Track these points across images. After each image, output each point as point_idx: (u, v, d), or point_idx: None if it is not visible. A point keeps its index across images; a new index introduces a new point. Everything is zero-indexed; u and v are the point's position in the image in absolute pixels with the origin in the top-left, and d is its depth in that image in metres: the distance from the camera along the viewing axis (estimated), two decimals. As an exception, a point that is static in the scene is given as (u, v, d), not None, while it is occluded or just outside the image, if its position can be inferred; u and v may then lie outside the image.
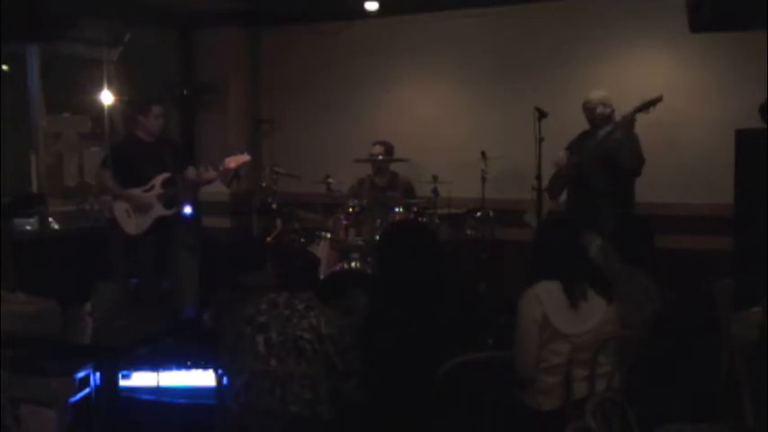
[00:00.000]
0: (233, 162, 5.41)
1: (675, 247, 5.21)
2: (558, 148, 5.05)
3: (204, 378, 3.75)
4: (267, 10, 6.86)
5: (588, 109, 4.98)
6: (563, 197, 5.15)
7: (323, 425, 2.98)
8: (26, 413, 3.59)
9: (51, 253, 5.89)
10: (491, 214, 5.71)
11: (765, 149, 3.75)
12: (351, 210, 5.42)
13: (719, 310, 3.82)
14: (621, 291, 3.28)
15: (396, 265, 3.40)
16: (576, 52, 5.91)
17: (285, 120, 7.11)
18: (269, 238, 5.94)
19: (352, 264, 5.15)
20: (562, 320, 3.05)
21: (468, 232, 5.74)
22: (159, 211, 5.24)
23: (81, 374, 3.69)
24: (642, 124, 4.73)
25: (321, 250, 5.42)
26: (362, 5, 6.27)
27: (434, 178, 5.63)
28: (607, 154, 4.76)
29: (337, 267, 5.19)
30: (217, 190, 6.10)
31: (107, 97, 6.74)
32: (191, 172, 5.38)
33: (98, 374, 3.78)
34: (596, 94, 4.97)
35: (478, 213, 5.74)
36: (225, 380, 3.16)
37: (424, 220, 5.38)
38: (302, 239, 5.70)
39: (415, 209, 5.42)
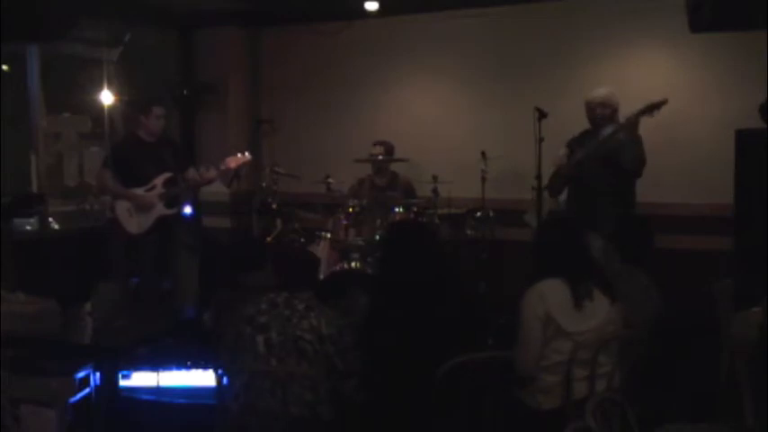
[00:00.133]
0: (234, 162, 5.42)
1: (675, 247, 5.21)
2: (557, 148, 5.05)
3: (204, 378, 3.76)
4: (267, 10, 6.86)
5: (589, 108, 4.98)
6: (563, 197, 5.14)
7: (323, 425, 2.98)
8: (26, 413, 3.59)
9: (51, 253, 5.89)
10: (491, 214, 5.71)
11: (765, 149, 3.74)
12: (351, 210, 5.42)
13: (719, 310, 3.82)
14: (621, 291, 3.28)
15: (396, 265, 3.40)
16: (576, 52, 5.91)
17: (285, 120, 7.11)
18: (269, 238, 5.93)
19: (352, 264, 5.15)
20: (565, 318, 3.05)
21: (468, 232, 5.74)
22: (161, 210, 5.26)
23: (81, 374, 3.69)
24: (642, 124, 4.72)
25: (321, 250, 5.41)
26: (362, 5, 6.27)
27: (434, 178, 5.63)
28: (609, 154, 4.75)
29: (337, 267, 5.19)
30: (217, 190, 6.10)
31: (107, 97, 6.75)
32: (191, 172, 5.39)
33: (98, 374, 3.78)
34: (597, 93, 4.94)
35: (478, 213, 5.74)
36: (224, 380, 3.16)
37: (424, 220, 5.38)
38: (302, 239, 5.70)
39: (415, 209, 5.41)
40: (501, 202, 5.79)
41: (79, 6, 4.22)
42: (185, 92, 6.96)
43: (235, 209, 6.93)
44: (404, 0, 6.36)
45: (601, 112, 4.91)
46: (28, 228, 6.18)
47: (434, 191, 5.61)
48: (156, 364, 3.83)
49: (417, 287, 3.26)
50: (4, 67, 6.56)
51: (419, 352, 3.11)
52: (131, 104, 6.43)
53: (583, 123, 5.05)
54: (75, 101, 7.03)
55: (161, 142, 5.40)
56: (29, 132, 6.22)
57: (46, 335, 4.12)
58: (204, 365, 3.77)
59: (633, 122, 4.67)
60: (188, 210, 5.55)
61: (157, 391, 3.81)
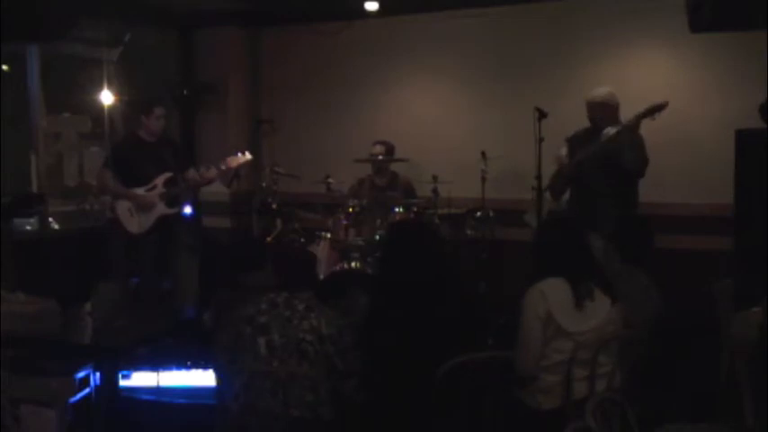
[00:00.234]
0: (234, 162, 5.42)
1: (675, 247, 5.21)
2: (558, 147, 5.05)
3: (204, 378, 3.75)
4: (267, 10, 6.86)
5: (589, 108, 4.97)
6: (565, 197, 5.14)
7: (324, 426, 2.98)
8: (26, 413, 3.58)
9: (51, 253, 5.89)
10: (491, 214, 5.72)
11: (765, 149, 3.74)
12: (351, 210, 5.42)
13: (719, 310, 3.81)
14: (622, 291, 3.27)
15: (396, 265, 3.40)
16: (576, 52, 5.91)
17: (285, 120, 7.11)
18: (269, 238, 5.94)
19: (352, 264, 5.15)
20: (566, 318, 3.05)
21: (468, 232, 5.74)
22: (162, 210, 5.27)
23: (81, 374, 3.68)
24: (642, 125, 4.72)
25: (321, 250, 5.42)
26: (362, 5, 6.27)
27: (434, 178, 5.63)
28: (610, 155, 4.74)
29: (337, 267, 5.19)
30: (217, 190, 6.10)
31: (107, 97, 6.75)
32: (191, 172, 5.39)
33: (98, 374, 3.77)
34: (597, 93, 4.93)
35: (478, 213, 5.74)
36: (224, 380, 3.16)
37: (424, 220, 5.38)
38: (302, 239, 5.70)
39: (415, 209, 5.42)
40: (501, 202, 5.79)
41: (79, 6, 4.22)
42: (185, 92, 6.96)
43: (235, 209, 6.93)
44: (404, 0, 6.36)
45: (601, 112, 4.90)
46: (28, 228, 6.18)
47: (434, 191, 5.61)
48: (156, 364, 3.82)
49: (417, 287, 3.26)
50: (4, 67, 6.56)
51: (419, 352, 3.11)
52: (132, 104, 6.43)
53: (583, 123, 5.05)
54: (75, 101, 7.03)
55: (161, 142, 5.41)
56: (29, 132, 6.23)
57: (46, 335, 4.11)
58: (204, 365, 3.76)
59: (634, 125, 4.66)
60: (188, 210, 5.55)
61: (157, 391, 3.80)
